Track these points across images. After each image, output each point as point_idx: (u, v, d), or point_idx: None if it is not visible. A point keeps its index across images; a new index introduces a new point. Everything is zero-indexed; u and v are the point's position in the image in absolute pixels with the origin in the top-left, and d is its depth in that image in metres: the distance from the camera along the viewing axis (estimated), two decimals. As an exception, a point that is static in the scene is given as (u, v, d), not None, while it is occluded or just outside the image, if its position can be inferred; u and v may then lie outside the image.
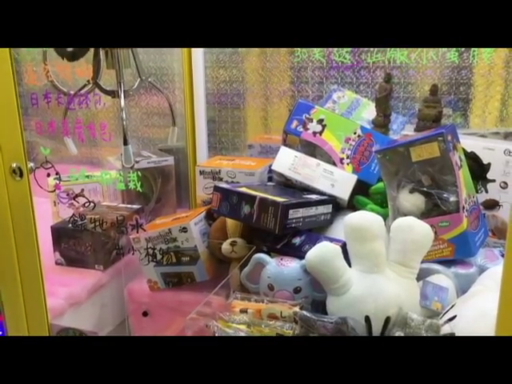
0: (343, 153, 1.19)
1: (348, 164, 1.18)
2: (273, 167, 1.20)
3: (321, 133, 1.20)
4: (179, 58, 1.50)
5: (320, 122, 1.21)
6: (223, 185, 1.18)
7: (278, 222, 1.00)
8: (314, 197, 1.12)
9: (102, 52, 1.04)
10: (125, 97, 0.99)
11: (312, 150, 1.21)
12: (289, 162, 1.17)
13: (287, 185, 1.20)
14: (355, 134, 1.20)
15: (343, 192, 1.14)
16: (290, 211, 1.02)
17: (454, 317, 0.83)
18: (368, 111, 1.39)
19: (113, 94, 1.00)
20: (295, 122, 1.22)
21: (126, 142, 0.82)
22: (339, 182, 1.14)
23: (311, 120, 1.21)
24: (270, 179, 1.31)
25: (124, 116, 0.81)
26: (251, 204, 1.04)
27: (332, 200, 1.13)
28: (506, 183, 1.09)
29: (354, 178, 1.15)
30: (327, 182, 1.14)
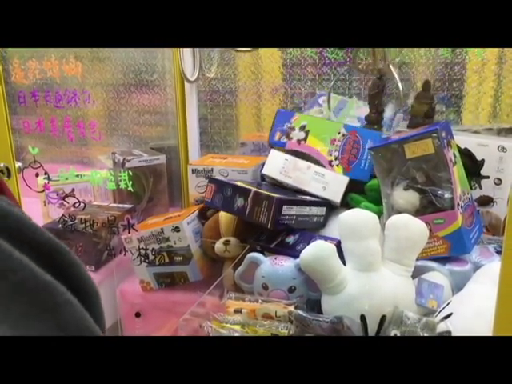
0: (331, 155, 1.17)
1: (337, 165, 1.16)
2: (263, 171, 1.18)
3: (305, 139, 1.19)
4: (170, 55, 1.48)
5: (302, 128, 1.19)
6: (219, 177, 1.16)
7: (270, 217, 0.99)
8: (308, 198, 1.11)
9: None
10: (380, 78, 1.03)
11: (300, 157, 1.18)
12: (279, 165, 1.15)
13: (280, 186, 1.19)
14: (339, 133, 1.17)
15: (335, 195, 1.12)
16: (284, 207, 1.01)
17: (450, 314, 0.83)
18: (356, 108, 1.38)
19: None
20: (278, 134, 1.21)
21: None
22: (331, 184, 1.12)
23: (293, 128, 1.20)
24: (262, 178, 1.30)
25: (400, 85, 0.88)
26: (245, 197, 1.03)
27: (326, 203, 1.12)
28: (499, 179, 1.09)
29: (346, 179, 1.13)
30: (319, 184, 1.12)
